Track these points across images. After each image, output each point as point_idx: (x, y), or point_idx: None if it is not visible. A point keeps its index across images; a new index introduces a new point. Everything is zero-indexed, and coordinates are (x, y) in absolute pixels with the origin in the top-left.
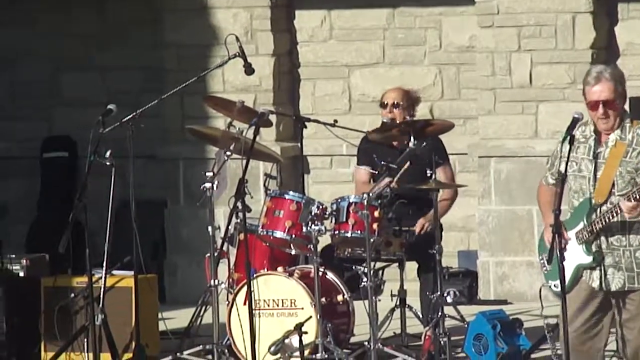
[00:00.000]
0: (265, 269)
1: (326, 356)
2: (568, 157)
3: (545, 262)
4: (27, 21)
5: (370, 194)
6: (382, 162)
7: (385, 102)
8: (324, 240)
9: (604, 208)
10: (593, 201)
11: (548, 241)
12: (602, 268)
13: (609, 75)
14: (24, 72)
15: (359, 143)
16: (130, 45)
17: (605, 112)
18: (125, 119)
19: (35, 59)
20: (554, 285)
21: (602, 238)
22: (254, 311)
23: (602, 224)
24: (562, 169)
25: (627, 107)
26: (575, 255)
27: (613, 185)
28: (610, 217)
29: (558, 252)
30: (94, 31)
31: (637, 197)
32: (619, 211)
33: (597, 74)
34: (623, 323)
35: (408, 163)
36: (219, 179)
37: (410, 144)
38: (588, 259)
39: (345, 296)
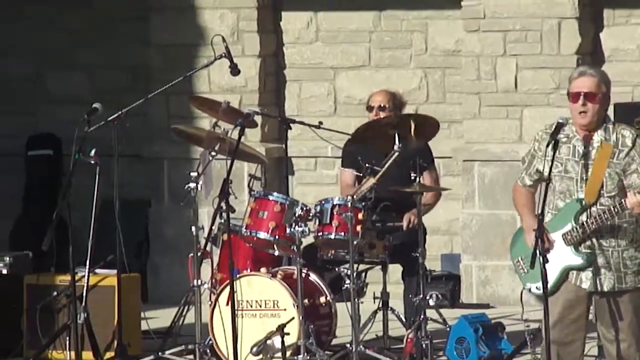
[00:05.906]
0: (249, 270)
1: (308, 358)
2: (552, 161)
3: (523, 266)
4: (13, 15)
5: (355, 196)
6: (367, 165)
7: (372, 105)
8: (307, 242)
9: (593, 209)
10: (584, 202)
11: (530, 244)
12: (594, 269)
13: (594, 72)
14: (9, 67)
15: (343, 145)
16: (116, 43)
17: (585, 104)
18: (110, 118)
19: (20, 55)
20: (536, 288)
21: (593, 239)
22: (236, 312)
23: (597, 224)
24: (542, 169)
25: (611, 112)
26: (562, 256)
27: (602, 186)
28: (610, 217)
29: (541, 257)
30: (80, 27)
31: None
32: (619, 210)
33: (583, 70)
34: (613, 324)
35: (392, 159)
36: (206, 179)
37: (395, 147)
38: (577, 260)
39: (328, 298)
